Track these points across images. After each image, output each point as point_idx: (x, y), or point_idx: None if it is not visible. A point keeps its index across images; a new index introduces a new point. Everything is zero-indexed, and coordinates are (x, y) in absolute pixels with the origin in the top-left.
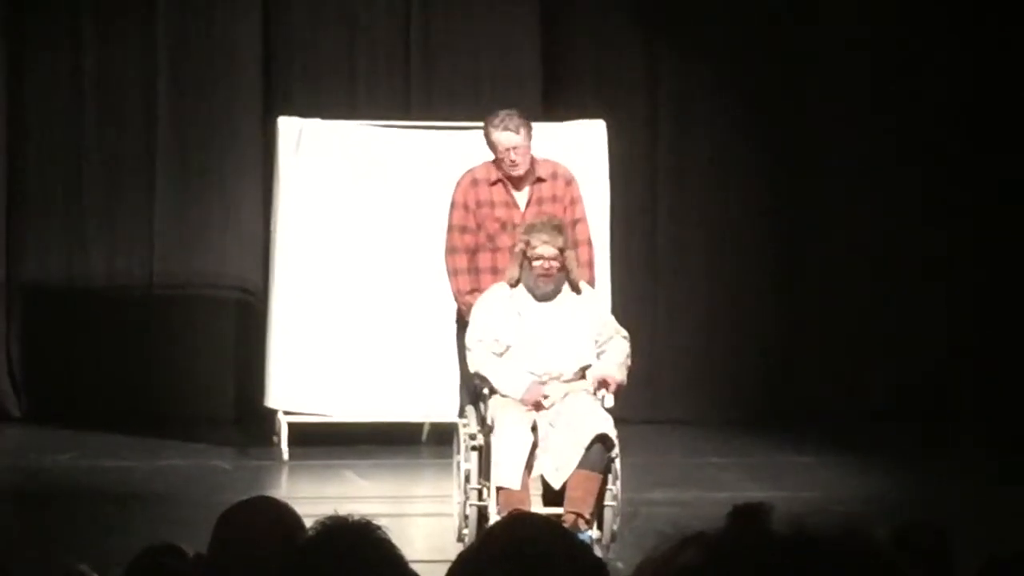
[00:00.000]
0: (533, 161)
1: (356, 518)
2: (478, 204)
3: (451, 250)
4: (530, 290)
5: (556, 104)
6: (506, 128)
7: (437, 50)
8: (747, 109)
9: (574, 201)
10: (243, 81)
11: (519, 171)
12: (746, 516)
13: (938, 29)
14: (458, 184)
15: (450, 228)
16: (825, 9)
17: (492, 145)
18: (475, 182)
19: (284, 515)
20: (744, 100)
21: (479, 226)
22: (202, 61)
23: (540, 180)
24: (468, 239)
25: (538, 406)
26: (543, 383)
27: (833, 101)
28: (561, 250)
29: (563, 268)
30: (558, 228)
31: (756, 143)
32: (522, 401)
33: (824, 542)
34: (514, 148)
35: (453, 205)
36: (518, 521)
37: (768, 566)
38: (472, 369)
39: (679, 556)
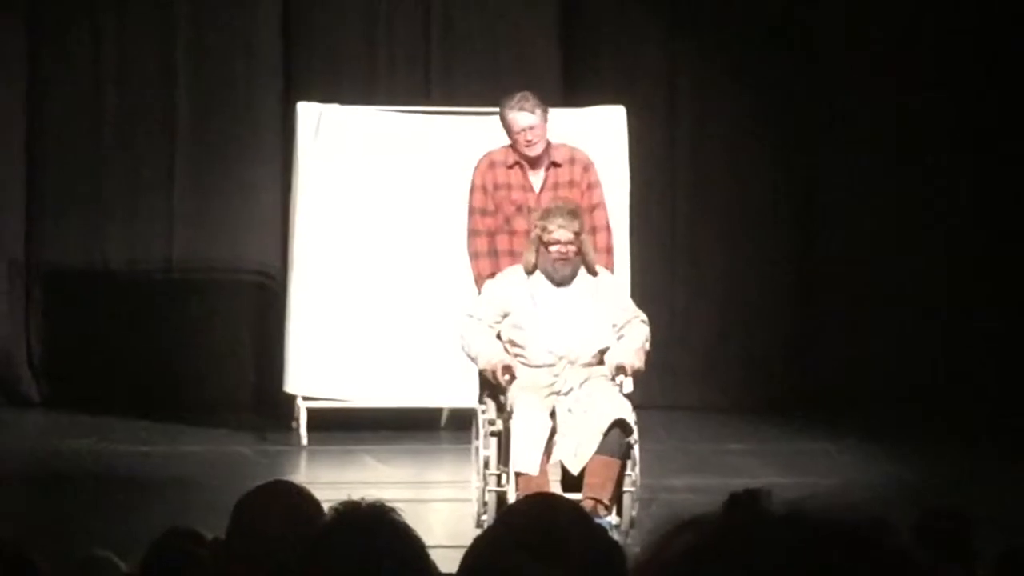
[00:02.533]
0: (549, 145)
1: (370, 501)
2: (495, 186)
3: (472, 232)
4: (547, 275)
5: (576, 90)
6: (521, 108)
7: (457, 35)
8: (765, 96)
9: (592, 186)
10: (263, 66)
11: (535, 151)
12: (742, 501)
13: (954, 18)
14: (476, 167)
15: (471, 211)
16: None
17: (508, 126)
18: (493, 164)
19: (302, 500)
20: (763, 87)
21: (497, 208)
22: (222, 46)
23: (556, 165)
24: (488, 221)
25: (507, 370)
26: (552, 366)
27: (851, 89)
28: (577, 234)
29: (579, 252)
30: (573, 213)
31: (774, 130)
32: (489, 367)
33: (823, 526)
34: (530, 128)
35: (472, 188)
36: (536, 501)
37: (761, 548)
38: (459, 342)
39: (675, 541)
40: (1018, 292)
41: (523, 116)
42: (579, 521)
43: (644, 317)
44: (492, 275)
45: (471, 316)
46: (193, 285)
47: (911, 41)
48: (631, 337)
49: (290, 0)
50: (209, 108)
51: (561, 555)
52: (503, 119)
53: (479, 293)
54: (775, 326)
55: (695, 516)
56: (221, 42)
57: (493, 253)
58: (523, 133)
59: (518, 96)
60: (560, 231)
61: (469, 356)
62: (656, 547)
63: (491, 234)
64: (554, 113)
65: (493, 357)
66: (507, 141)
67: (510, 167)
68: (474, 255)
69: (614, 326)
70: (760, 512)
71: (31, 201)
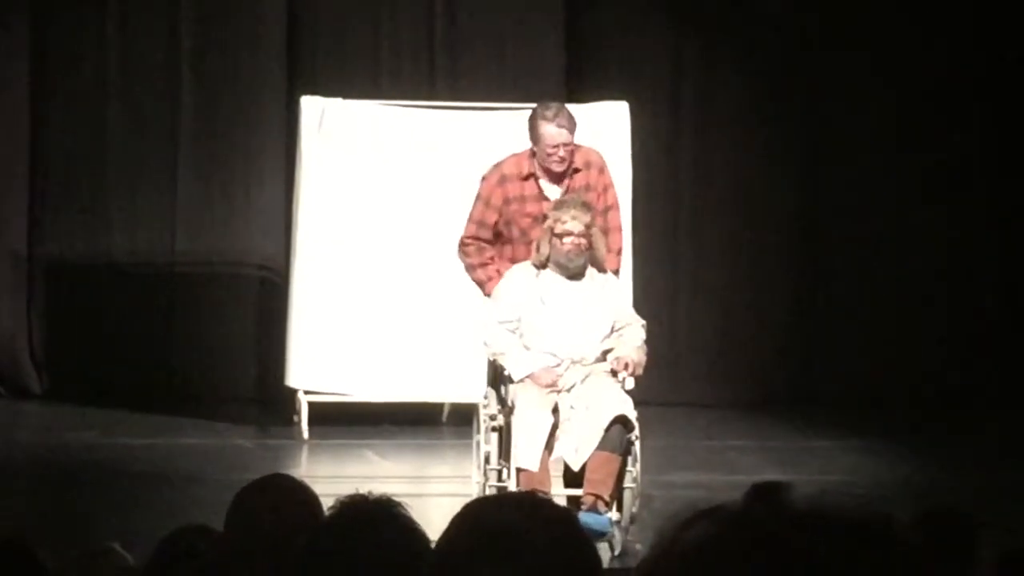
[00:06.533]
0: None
1: (376, 495)
2: (506, 201)
3: (461, 244)
4: (560, 267)
5: (579, 85)
6: (559, 125)
7: (462, 30)
8: (770, 93)
9: (607, 188)
10: (267, 60)
11: (562, 167)
12: (764, 493)
13: (958, 23)
14: (485, 179)
15: (469, 218)
16: None
17: (538, 136)
18: (503, 179)
19: (300, 493)
20: (767, 84)
21: (508, 223)
22: (226, 40)
23: (576, 171)
24: (484, 233)
25: (553, 386)
26: (557, 366)
27: (856, 85)
28: (588, 227)
29: (590, 246)
30: (586, 205)
31: (778, 127)
32: (532, 378)
33: (842, 522)
34: (563, 144)
35: (477, 197)
36: (493, 501)
37: (782, 542)
38: (488, 350)
39: (692, 528)
40: (1022, 290)
41: (560, 132)
42: (544, 520)
43: (643, 322)
44: (490, 280)
45: (502, 323)
46: (195, 278)
47: (914, 37)
48: (631, 336)
49: None
50: (213, 101)
51: (517, 556)
52: (534, 127)
53: (486, 294)
54: (777, 322)
55: (713, 505)
56: (225, 35)
57: (483, 264)
58: (556, 149)
59: (555, 108)
60: (573, 222)
61: (500, 364)
62: (673, 532)
63: (481, 242)
64: None
65: (539, 371)
66: (511, 144)
67: (524, 179)
68: (469, 267)
69: (613, 328)
70: (781, 505)
71: (34, 194)
